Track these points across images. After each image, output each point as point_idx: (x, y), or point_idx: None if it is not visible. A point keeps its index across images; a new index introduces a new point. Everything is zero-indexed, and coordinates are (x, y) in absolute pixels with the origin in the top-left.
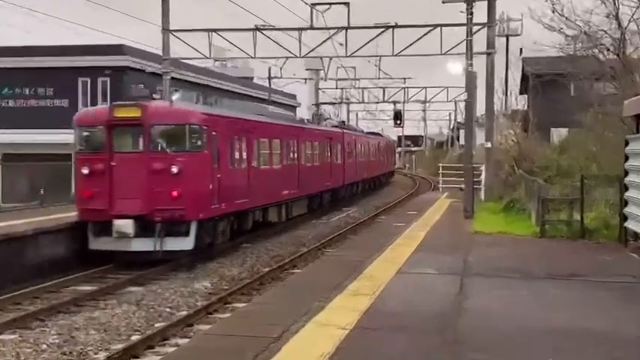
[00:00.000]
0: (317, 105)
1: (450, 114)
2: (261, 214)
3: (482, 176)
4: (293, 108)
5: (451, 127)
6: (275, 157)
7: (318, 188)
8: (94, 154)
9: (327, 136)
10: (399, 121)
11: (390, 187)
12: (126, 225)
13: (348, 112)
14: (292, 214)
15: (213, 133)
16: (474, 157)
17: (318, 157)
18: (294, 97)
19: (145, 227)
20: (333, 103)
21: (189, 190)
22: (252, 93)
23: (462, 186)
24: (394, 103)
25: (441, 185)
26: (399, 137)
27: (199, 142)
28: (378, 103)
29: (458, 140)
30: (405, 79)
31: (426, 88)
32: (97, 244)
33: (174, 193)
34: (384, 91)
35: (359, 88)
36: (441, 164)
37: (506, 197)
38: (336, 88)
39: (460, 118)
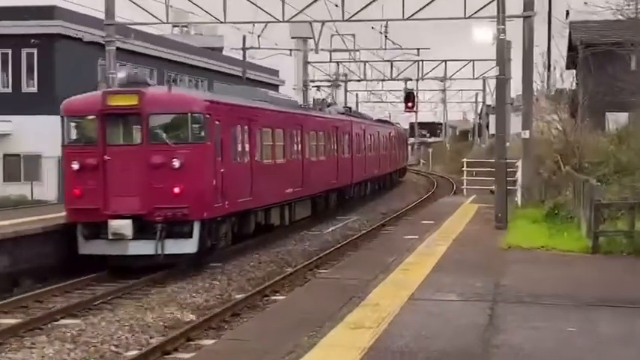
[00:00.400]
0: (305, 84)
1: (476, 95)
2: (264, 216)
3: (519, 175)
4: (274, 87)
5: (478, 111)
6: (278, 150)
7: (323, 187)
8: (84, 148)
9: (334, 124)
10: (410, 104)
11: (400, 189)
12: (124, 226)
13: (346, 92)
14: (295, 216)
15: (217, 122)
16: (508, 150)
17: (323, 150)
18: (275, 73)
19: (143, 228)
20: (327, 82)
21: (193, 186)
22: (221, 68)
23: (493, 187)
24: (405, 80)
25: (465, 187)
26: (411, 125)
27: (202, 133)
28: (384, 80)
29: (487, 129)
30: (418, 50)
31: (445, 61)
32: (89, 248)
33: (177, 190)
34: (391, 66)
35: (359, 61)
36: (465, 159)
37: (548, 201)
38: (330, 62)
39: (490, 101)
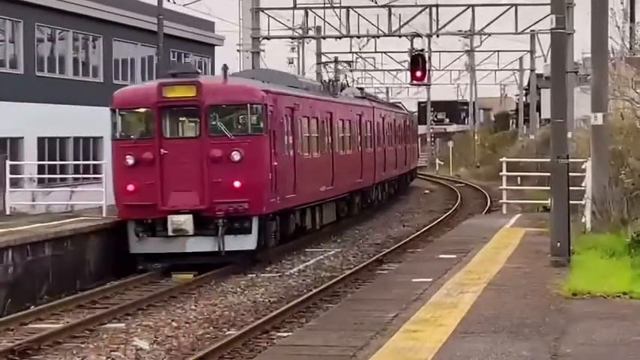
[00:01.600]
0: (257, 39)
1: (520, 60)
2: (299, 217)
3: (587, 182)
4: (210, 47)
5: (524, 85)
6: (314, 143)
7: (348, 187)
8: (139, 142)
9: (358, 112)
10: (419, 74)
11: (404, 204)
12: (185, 221)
13: (320, 56)
14: (323, 220)
15: (271, 112)
16: (572, 144)
17: (349, 143)
18: (210, 26)
19: (202, 224)
20: (291, 38)
21: (253, 180)
22: (124, 19)
23: (547, 202)
24: (411, 37)
25: (505, 200)
26: (421, 106)
27: (261, 124)
28: (377, 37)
29: (538, 111)
30: None
31: (473, 6)
32: (142, 246)
33: (237, 184)
34: (389, 13)
35: (339, 6)
36: (504, 159)
37: (634, 224)
38: (295, 8)
39: (541, 68)
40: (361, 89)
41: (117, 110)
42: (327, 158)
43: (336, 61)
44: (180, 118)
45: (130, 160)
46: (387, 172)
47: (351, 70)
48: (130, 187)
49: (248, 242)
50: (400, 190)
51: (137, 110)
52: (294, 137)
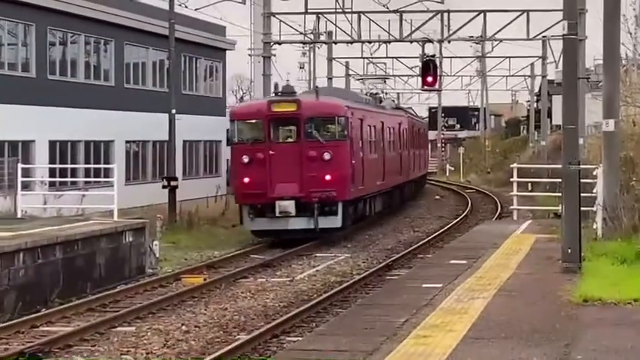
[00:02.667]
0: (268, 44)
1: (532, 66)
2: (363, 204)
3: (599, 189)
4: (221, 52)
5: (536, 91)
6: (373, 146)
7: (393, 183)
8: (253, 145)
9: (398, 121)
10: (430, 79)
11: (414, 210)
12: (289, 205)
13: (330, 62)
14: (375, 210)
15: (350, 122)
16: (583, 150)
17: (392, 147)
18: (221, 31)
19: (301, 207)
20: (302, 43)
21: (338, 174)
22: (136, 23)
23: (558, 209)
24: (422, 42)
25: (515, 207)
26: (431, 112)
27: (345, 132)
28: (388, 42)
29: (549, 117)
30: None
31: (484, 12)
32: (253, 225)
33: (327, 177)
34: (401, 19)
35: (351, 12)
36: (515, 165)
37: None
38: (306, 13)
39: (553, 75)
40: (375, 94)
41: (235, 121)
42: (381, 159)
43: (380, 77)
44: (284, 127)
45: (246, 159)
46: (414, 172)
47: (384, 81)
48: (246, 180)
49: (335, 221)
50: (411, 196)
51: (251, 121)
52: (363, 142)
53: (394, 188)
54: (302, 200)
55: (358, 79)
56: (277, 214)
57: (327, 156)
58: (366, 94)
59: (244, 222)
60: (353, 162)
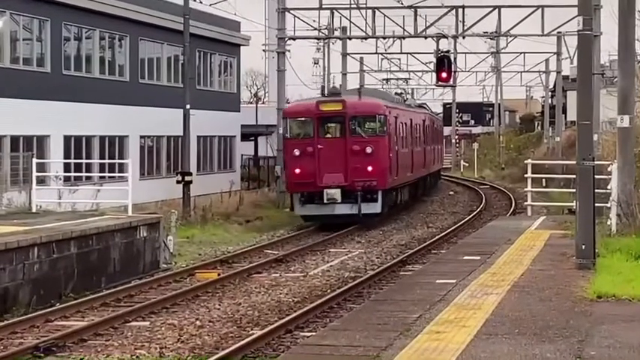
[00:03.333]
0: (283, 40)
1: (546, 62)
2: (396, 193)
3: (613, 184)
4: (235, 47)
5: (550, 87)
6: (404, 141)
7: (418, 175)
8: (303, 140)
9: (422, 118)
10: (445, 75)
11: (428, 206)
12: (336, 193)
13: (345, 57)
14: (403, 199)
15: (388, 120)
16: (597, 146)
17: (418, 142)
18: (235, 26)
19: (345, 195)
20: (317, 39)
21: (379, 166)
22: (150, 18)
23: (572, 205)
24: (437, 38)
25: (530, 203)
26: (446, 107)
27: (384, 128)
28: (403, 38)
29: (563, 113)
30: None
31: (499, 7)
32: (304, 210)
33: (370, 169)
34: (415, 15)
35: (365, 7)
36: (529, 161)
37: None
38: (321, 8)
39: (567, 70)
40: (399, 94)
41: (287, 119)
42: (410, 153)
43: (404, 79)
44: (331, 124)
45: (297, 152)
46: (434, 166)
47: (406, 82)
48: (297, 171)
49: (376, 207)
50: (424, 192)
51: (302, 119)
52: (397, 137)
53: (418, 180)
54: (347, 188)
55: (382, 80)
56: (325, 201)
57: (369, 149)
58: (397, 94)
59: (295, 208)
60: (390, 155)
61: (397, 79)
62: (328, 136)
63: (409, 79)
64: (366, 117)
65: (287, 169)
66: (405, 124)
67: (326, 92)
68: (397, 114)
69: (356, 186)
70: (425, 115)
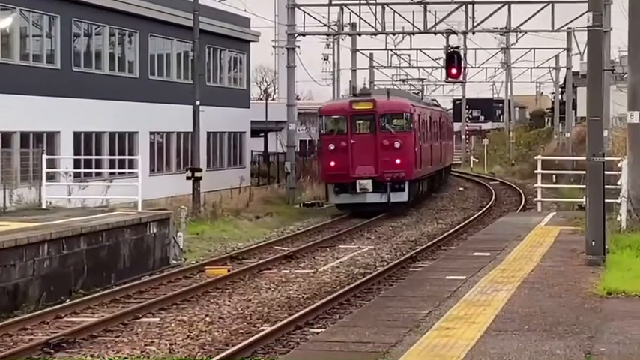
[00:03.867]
0: (292, 36)
1: (556, 57)
2: (419, 184)
3: (623, 180)
4: (245, 44)
5: (560, 83)
6: (424, 136)
7: (435, 168)
8: (338, 136)
9: (438, 115)
10: (455, 71)
11: (437, 202)
12: (367, 183)
13: (355, 53)
14: (424, 189)
15: (414, 117)
16: (608, 142)
17: (435, 138)
18: (245, 22)
19: (376, 186)
20: (326, 35)
21: (406, 159)
22: (160, 15)
23: (582, 201)
24: (447, 34)
25: (540, 199)
26: (456, 103)
27: (411, 125)
28: (413, 34)
29: (573, 109)
30: None
31: (508, 3)
32: (338, 199)
33: (398, 162)
34: (425, 11)
35: (375, 3)
36: (539, 157)
37: None
38: (330, 5)
39: (578, 66)
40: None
41: (323, 117)
42: (429, 148)
43: (420, 79)
44: (362, 121)
45: (332, 147)
46: (447, 161)
47: (422, 82)
48: (332, 164)
49: (403, 196)
50: (439, 185)
51: (336, 117)
52: (420, 133)
53: (435, 173)
54: (377, 179)
55: (400, 80)
56: (357, 191)
57: (397, 144)
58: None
59: (330, 197)
60: (416, 149)
61: (411, 78)
62: (360, 132)
63: (424, 79)
64: (395, 115)
65: (322, 162)
66: (426, 121)
67: (357, 92)
68: (420, 112)
69: (385, 177)
70: (440, 113)
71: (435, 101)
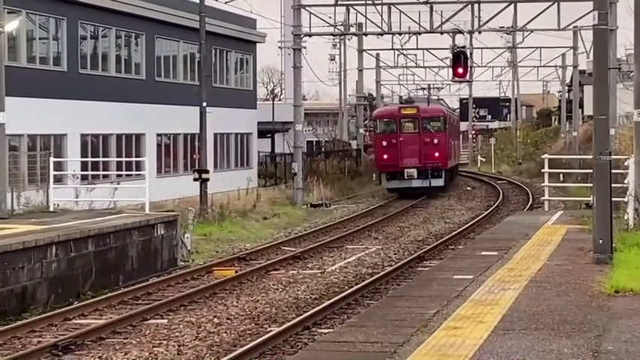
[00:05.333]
0: (298, 36)
1: (563, 56)
2: (452, 173)
3: (630, 179)
4: (251, 45)
5: (567, 81)
6: (452, 135)
7: (455, 162)
8: (389, 135)
9: (455, 118)
10: (461, 70)
11: (444, 201)
12: (413, 171)
13: (361, 53)
14: (453, 176)
15: (447, 120)
16: (615, 141)
17: (454, 137)
18: (251, 23)
19: (419, 173)
20: (332, 35)
21: (443, 152)
22: (166, 17)
23: (590, 199)
24: (453, 34)
25: (547, 197)
26: (462, 103)
27: (446, 126)
28: (419, 34)
29: (580, 108)
30: None
31: (514, 2)
32: (389, 184)
33: (437, 155)
34: (431, 11)
35: (381, 3)
36: (546, 156)
37: None
38: (336, 5)
39: (584, 65)
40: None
41: (377, 120)
42: (452, 145)
43: (437, 87)
44: (408, 123)
45: (385, 143)
46: (459, 158)
47: (429, 89)
48: (385, 156)
49: (440, 182)
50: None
51: (387, 120)
52: (450, 133)
53: (455, 166)
54: (420, 168)
55: (420, 89)
56: (405, 177)
57: (435, 141)
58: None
59: (383, 183)
60: (448, 145)
61: (429, 87)
62: (406, 131)
63: (442, 87)
64: (433, 118)
65: (377, 155)
66: (452, 123)
67: (403, 100)
68: (450, 115)
69: (427, 166)
70: (456, 115)
71: (443, 101)
